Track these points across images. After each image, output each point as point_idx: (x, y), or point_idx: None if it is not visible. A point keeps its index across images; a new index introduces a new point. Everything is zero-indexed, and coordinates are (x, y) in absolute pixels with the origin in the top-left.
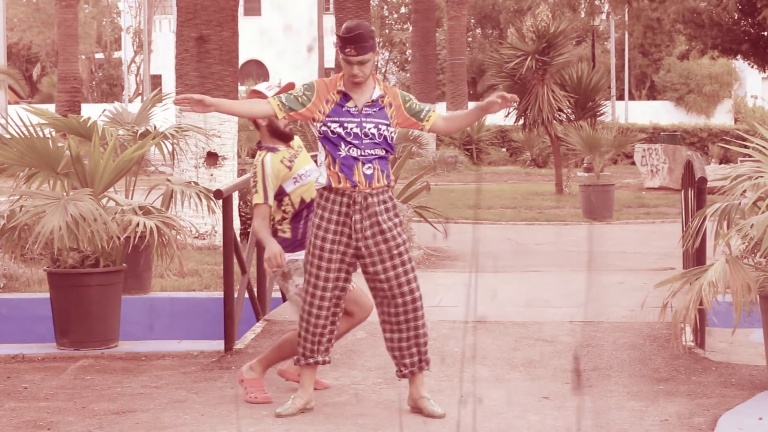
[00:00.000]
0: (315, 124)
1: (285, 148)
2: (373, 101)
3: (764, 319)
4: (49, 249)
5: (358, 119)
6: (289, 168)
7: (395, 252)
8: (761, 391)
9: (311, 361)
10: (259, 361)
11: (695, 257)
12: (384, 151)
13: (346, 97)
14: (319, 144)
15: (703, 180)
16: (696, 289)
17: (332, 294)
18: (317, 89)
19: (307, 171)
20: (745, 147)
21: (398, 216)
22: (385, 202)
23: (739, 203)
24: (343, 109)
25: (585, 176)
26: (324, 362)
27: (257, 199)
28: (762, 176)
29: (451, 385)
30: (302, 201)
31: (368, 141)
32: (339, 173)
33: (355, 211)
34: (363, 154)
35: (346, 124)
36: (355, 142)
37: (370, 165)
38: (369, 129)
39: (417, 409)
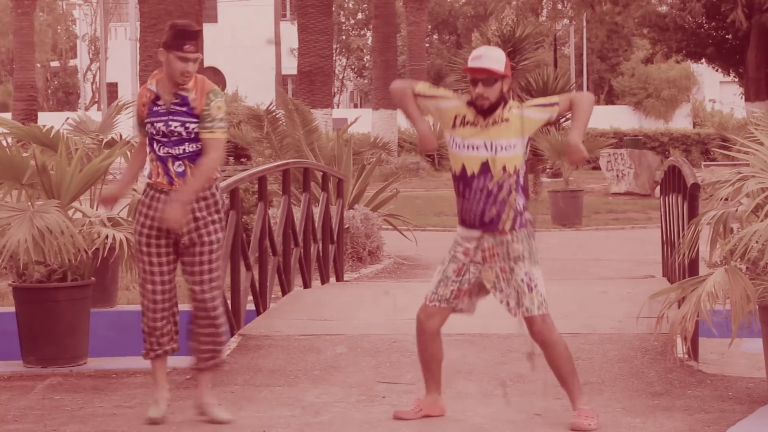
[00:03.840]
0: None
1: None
2: (181, 98)
3: (764, 330)
4: (14, 263)
5: (166, 117)
6: (459, 125)
7: (206, 248)
8: (761, 406)
9: (159, 351)
10: (577, 393)
11: (688, 267)
12: (199, 147)
13: (157, 96)
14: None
15: (696, 186)
16: (693, 300)
17: (163, 287)
18: (139, 95)
19: (475, 144)
20: (728, 149)
21: (219, 212)
22: (205, 198)
23: (736, 210)
24: (154, 108)
25: (549, 182)
26: (173, 350)
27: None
28: (746, 181)
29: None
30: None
31: (176, 138)
32: (158, 164)
33: None
34: (172, 152)
35: (155, 123)
36: (164, 140)
37: (180, 163)
38: (175, 127)
39: (203, 414)
